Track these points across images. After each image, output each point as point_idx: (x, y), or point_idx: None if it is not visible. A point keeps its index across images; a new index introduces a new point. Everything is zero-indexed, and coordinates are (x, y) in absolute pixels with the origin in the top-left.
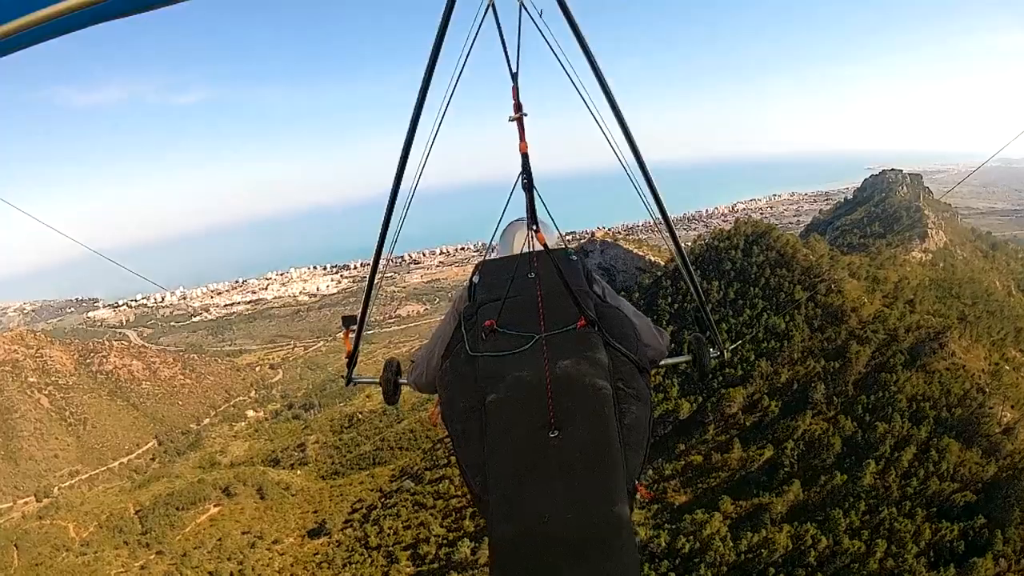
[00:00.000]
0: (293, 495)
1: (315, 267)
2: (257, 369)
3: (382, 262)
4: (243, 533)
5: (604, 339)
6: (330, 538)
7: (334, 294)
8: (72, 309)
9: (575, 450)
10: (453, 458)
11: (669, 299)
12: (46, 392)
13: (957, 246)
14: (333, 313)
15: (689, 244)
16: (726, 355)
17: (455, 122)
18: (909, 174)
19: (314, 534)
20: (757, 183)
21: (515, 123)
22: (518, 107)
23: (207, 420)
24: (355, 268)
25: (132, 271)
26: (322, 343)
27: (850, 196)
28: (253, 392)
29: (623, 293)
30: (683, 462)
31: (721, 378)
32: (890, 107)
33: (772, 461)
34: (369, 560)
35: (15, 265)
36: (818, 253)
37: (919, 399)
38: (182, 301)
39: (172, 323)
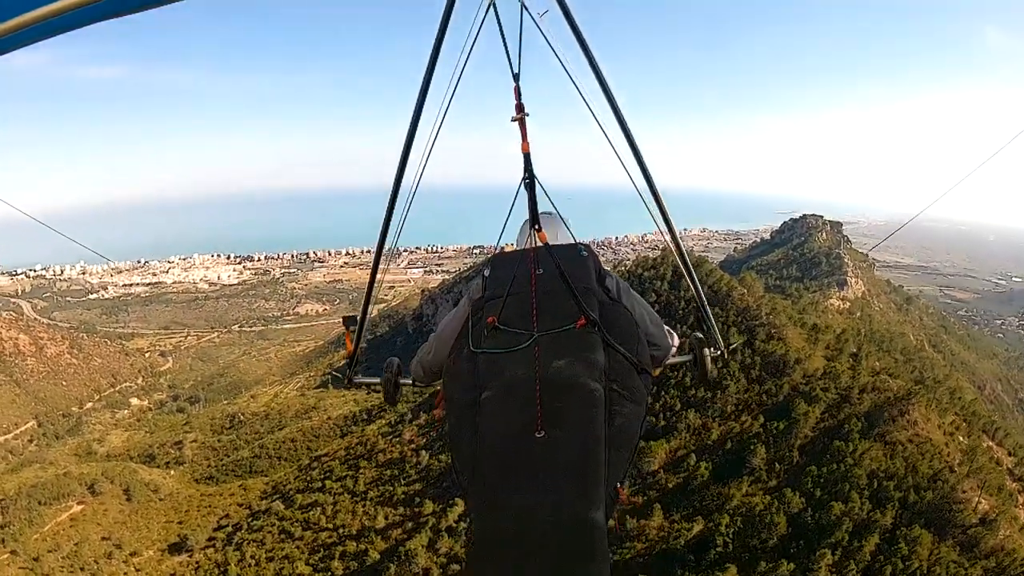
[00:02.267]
0: (161, 499)
1: (219, 255)
2: (147, 355)
3: (382, 265)
4: (102, 539)
5: (603, 338)
6: (191, 557)
7: (234, 285)
8: None
9: (558, 453)
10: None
11: None
12: None
13: (874, 297)
14: (231, 304)
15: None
16: (726, 354)
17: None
18: (829, 221)
19: (175, 549)
20: None
21: (517, 124)
22: (520, 108)
23: (90, 404)
24: (259, 260)
25: (75, 240)
26: (216, 334)
27: (767, 237)
28: (140, 379)
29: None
30: None
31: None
32: (800, 157)
33: (701, 536)
34: None
35: None
36: (756, 294)
37: (881, 476)
38: (81, 276)
39: (68, 298)
